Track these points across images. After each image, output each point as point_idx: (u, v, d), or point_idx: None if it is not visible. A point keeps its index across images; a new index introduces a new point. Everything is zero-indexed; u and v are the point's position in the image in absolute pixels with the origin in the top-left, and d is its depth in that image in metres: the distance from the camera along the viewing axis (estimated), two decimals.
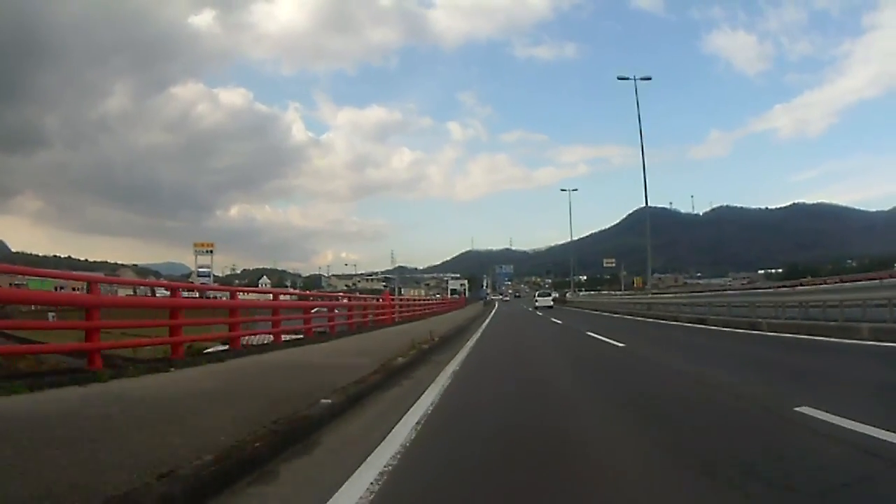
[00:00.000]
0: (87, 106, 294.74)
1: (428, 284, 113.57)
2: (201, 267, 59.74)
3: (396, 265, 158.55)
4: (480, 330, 17.24)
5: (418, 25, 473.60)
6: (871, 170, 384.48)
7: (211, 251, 60.31)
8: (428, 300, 37.52)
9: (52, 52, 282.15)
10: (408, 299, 33.65)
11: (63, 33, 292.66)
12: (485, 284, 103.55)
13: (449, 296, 65.20)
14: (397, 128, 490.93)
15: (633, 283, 78.37)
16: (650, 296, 27.03)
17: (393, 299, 24.29)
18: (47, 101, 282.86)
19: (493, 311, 37.71)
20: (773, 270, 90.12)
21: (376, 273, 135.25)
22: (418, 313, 24.79)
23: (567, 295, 56.56)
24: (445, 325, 16.69)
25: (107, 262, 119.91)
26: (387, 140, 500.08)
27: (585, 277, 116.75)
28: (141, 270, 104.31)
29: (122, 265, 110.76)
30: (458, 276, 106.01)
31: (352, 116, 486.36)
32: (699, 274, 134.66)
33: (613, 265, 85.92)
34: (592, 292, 64.03)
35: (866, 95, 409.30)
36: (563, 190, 48.65)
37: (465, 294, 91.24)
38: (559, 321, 21.37)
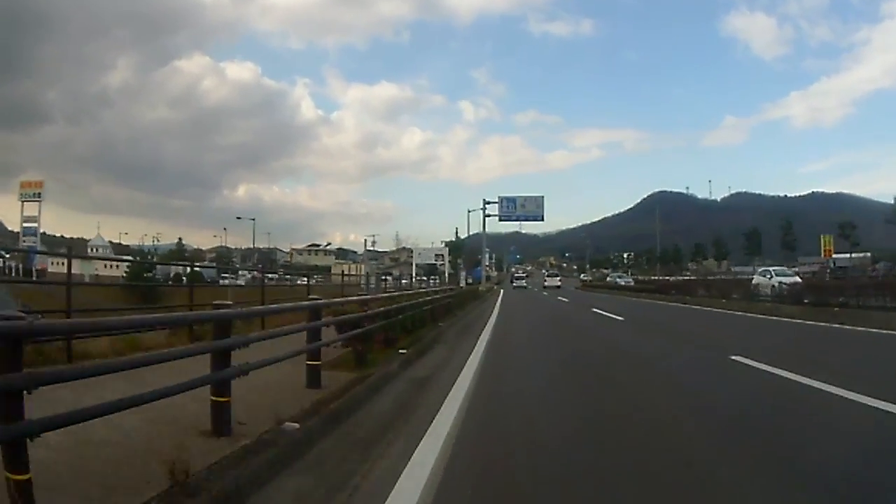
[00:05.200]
0: (90, 80, 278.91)
1: (395, 259, 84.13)
2: (27, 222, 39.34)
3: (402, 246, 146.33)
4: None
5: None
6: (888, 161, 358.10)
7: (39, 193, 39.63)
8: None
9: (52, 23, 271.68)
10: None
11: (62, 3, 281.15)
12: (487, 261, 66.18)
13: (412, 280, 40.33)
14: (408, 106, 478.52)
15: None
16: None
17: None
18: (49, 76, 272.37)
19: None
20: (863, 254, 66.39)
21: (387, 252, 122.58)
22: None
23: None
24: None
25: (83, 238, 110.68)
26: (397, 119, 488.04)
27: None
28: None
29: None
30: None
31: (362, 94, 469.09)
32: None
33: None
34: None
35: (882, 85, 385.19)
36: None
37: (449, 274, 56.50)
38: None
